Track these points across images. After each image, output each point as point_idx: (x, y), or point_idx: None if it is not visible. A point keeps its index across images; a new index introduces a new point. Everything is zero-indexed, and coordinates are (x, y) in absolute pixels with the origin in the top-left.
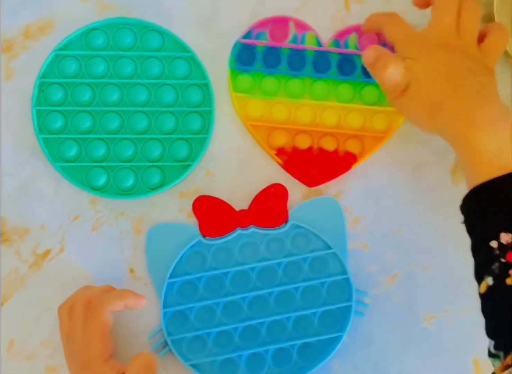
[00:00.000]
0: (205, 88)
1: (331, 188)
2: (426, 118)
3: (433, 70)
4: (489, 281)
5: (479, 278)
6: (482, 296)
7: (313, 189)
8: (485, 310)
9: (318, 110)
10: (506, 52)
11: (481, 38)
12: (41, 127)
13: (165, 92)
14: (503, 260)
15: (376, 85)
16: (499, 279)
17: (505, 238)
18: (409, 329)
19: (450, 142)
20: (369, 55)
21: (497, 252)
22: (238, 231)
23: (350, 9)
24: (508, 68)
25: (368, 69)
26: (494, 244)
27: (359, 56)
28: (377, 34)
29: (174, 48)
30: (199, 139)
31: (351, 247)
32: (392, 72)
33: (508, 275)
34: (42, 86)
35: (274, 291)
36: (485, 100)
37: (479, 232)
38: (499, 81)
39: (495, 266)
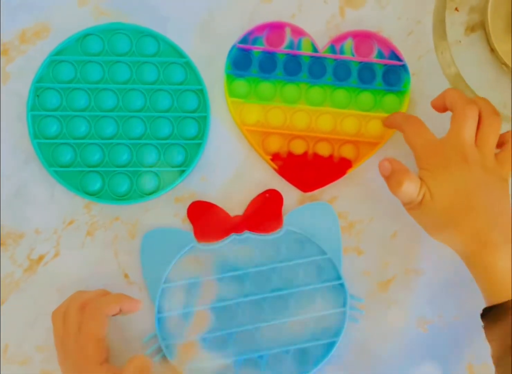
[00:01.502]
0: (201, 93)
1: (326, 193)
2: (440, 232)
3: (449, 186)
4: None
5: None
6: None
7: (308, 194)
8: None
9: (314, 116)
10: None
11: (499, 145)
12: (37, 132)
13: (161, 98)
14: None
15: (371, 91)
16: None
17: None
18: (404, 335)
19: (462, 258)
20: (385, 168)
21: None
22: (233, 236)
23: (345, 16)
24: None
25: (384, 179)
26: None
27: (354, 62)
28: (374, 41)
29: (169, 54)
30: (194, 145)
31: (346, 252)
32: (406, 189)
33: None
34: (38, 91)
35: (269, 297)
36: (499, 218)
37: (498, 346)
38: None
39: None
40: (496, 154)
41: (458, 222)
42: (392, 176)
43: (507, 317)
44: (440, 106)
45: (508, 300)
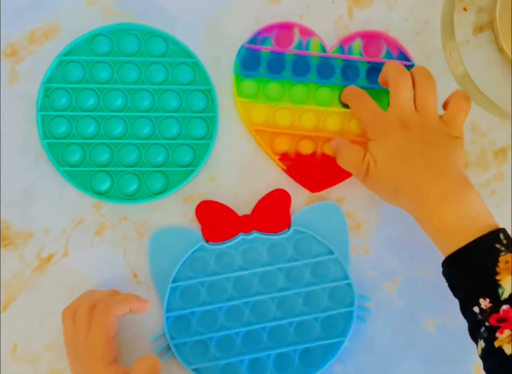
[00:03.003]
0: (209, 93)
1: (334, 193)
2: (390, 197)
3: (390, 151)
4: (481, 343)
5: (474, 340)
6: (481, 357)
7: (316, 194)
8: (485, 370)
9: (322, 116)
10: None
11: (444, 107)
12: (46, 132)
13: (169, 98)
14: (487, 324)
15: (379, 91)
16: (488, 342)
17: (484, 303)
18: (411, 335)
19: (415, 220)
20: (333, 146)
21: (480, 317)
22: (241, 236)
23: (353, 16)
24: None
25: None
26: (476, 309)
27: (363, 62)
28: (382, 41)
29: (178, 54)
30: (202, 145)
31: (353, 252)
32: (348, 159)
33: (495, 338)
34: (47, 91)
35: (276, 296)
36: (443, 174)
37: (462, 297)
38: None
39: (482, 329)
40: (441, 116)
41: (400, 183)
42: (338, 151)
43: (465, 265)
44: (384, 81)
45: (460, 248)
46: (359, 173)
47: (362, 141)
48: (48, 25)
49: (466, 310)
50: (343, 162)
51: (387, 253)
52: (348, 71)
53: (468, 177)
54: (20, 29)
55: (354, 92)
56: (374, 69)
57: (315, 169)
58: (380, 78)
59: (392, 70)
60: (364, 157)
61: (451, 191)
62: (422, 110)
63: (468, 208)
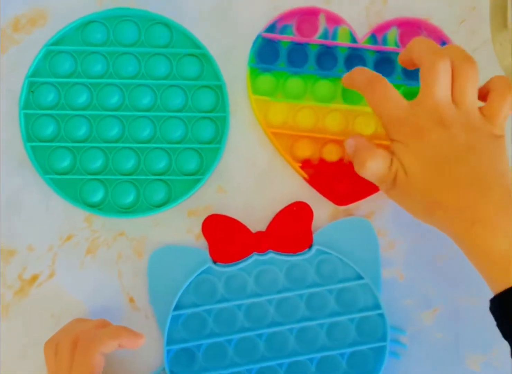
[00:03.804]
0: (219, 90)
1: (364, 207)
2: (424, 215)
3: (424, 158)
4: None
5: None
6: None
7: (342, 208)
8: None
9: (351, 117)
10: None
11: (482, 97)
12: (30, 134)
13: (173, 95)
14: None
15: (419, 88)
16: None
17: None
18: (452, 373)
19: (456, 244)
20: (350, 146)
21: None
22: (254, 256)
23: (388, 1)
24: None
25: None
26: None
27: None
28: (422, 31)
29: (183, 44)
30: (211, 150)
31: (385, 276)
32: (370, 168)
33: None
34: (32, 86)
35: (295, 327)
36: (492, 187)
37: None
38: None
39: None
40: (480, 109)
41: (439, 199)
42: (355, 155)
43: None
44: (408, 62)
45: None
46: (383, 183)
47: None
48: (35, 11)
49: None
50: (363, 169)
51: (425, 278)
52: (382, 65)
53: None
54: (3, 16)
55: (369, 77)
56: None
57: (342, 179)
58: (402, 56)
59: (424, 48)
60: (391, 164)
61: (503, 209)
62: (462, 104)
63: None
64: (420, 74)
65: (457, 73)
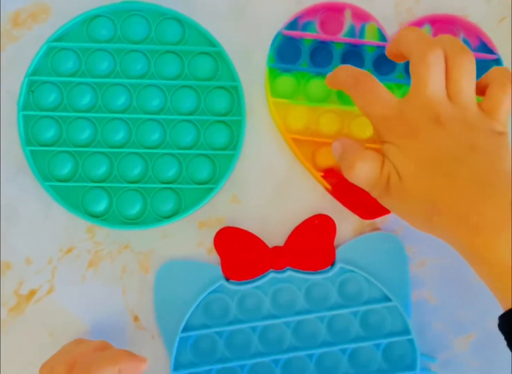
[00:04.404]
0: (235, 91)
1: (391, 220)
2: (421, 222)
3: (418, 159)
4: None
5: None
6: None
7: (368, 221)
8: None
9: None
10: None
11: (481, 92)
12: (29, 137)
13: (184, 96)
14: None
15: None
16: None
17: None
18: None
19: (457, 251)
20: (336, 149)
21: None
22: (271, 274)
23: None
24: None
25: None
26: None
27: None
28: (458, 29)
29: (197, 41)
30: (225, 156)
31: (415, 298)
32: (359, 172)
33: None
34: (32, 85)
35: (316, 353)
36: (494, 189)
37: None
38: None
39: None
40: (479, 104)
41: (437, 204)
42: (343, 158)
43: None
44: (396, 53)
45: None
46: (374, 188)
47: None
48: (37, 5)
49: None
50: (352, 172)
51: (458, 300)
52: None
53: None
54: (2, 10)
55: (354, 74)
56: None
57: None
58: (390, 48)
59: (414, 39)
60: (382, 167)
61: (509, 214)
62: (458, 98)
63: None
64: (410, 67)
65: (452, 65)
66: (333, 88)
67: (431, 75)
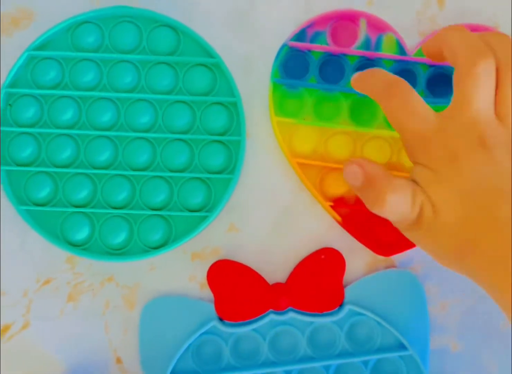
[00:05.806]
0: (234, 108)
1: (409, 257)
2: (452, 260)
3: (459, 189)
4: None
5: None
6: None
7: (382, 257)
8: None
9: (396, 146)
10: None
11: None
12: (5, 156)
13: (178, 113)
14: None
15: None
16: None
17: None
18: None
19: (490, 294)
20: (354, 175)
21: None
22: (271, 315)
23: (445, 4)
24: None
25: (355, 192)
26: None
27: None
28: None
29: (193, 52)
30: (221, 181)
31: (434, 346)
32: (391, 206)
33: None
34: (10, 98)
35: None
36: None
37: None
38: None
39: None
40: None
41: (476, 243)
42: (366, 189)
43: None
44: (435, 52)
45: None
46: (403, 222)
47: None
48: (19, 10)
49: None
50: (383, 206)
51: (484, 348)
52: (437, 82)
53: None
54: None
55: (387, 80)
56: None
57: (384, 222)
58: (428, 46)
59: (462, 41)
60: (414, 198)
61: None
62: (507, 119)
63: None
64: (454, 76)
65: (504, 77)
66: (358, 91)
67: (478, 90)
